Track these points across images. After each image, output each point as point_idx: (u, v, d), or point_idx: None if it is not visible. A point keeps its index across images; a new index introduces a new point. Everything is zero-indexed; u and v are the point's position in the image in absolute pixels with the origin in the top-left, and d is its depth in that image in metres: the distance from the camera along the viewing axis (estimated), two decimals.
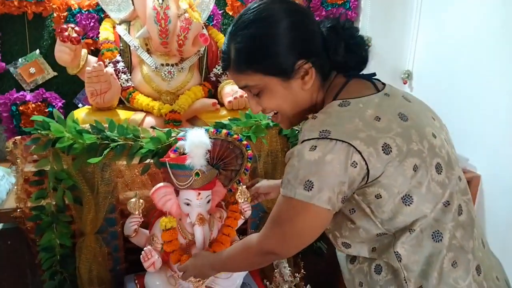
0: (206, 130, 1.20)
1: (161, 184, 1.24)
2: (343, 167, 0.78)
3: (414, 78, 2.45)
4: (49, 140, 1.23)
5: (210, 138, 1.18)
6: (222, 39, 1.88)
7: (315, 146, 0.80)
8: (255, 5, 0.87)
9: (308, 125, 0.84)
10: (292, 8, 0.88)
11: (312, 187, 0.79)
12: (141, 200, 1.25)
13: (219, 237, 1.28)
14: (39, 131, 1.24)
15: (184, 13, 1.60)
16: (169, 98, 1.73)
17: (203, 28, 1.71)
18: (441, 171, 0.85)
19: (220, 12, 2.09)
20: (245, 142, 1.26)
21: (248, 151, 1.28)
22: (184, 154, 1.18)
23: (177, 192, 1.25)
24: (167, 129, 1.33)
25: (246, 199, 1.30)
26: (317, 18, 2.22)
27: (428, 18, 2.32)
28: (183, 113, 1.70)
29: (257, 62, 0.87)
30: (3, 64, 1.86)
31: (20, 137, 1.27)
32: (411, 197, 0.82)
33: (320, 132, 0.80)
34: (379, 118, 0.83)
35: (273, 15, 0.85)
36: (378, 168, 0.80)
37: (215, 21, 2.07)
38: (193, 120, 1.75)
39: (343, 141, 0.79)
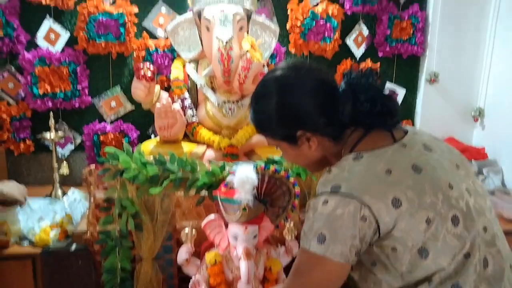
0: (254, 166, 1.26)
1: (212, 216, 1.30)
2: (352, 221, 0.80)
3: (486, 115, 2.31)
4: (118, 170, 1.37)
5: (258, 174, 1.23)
6: None
7: (327, 200, 0.82)
8: (261, 79, 0.96)
9: (322, 179, 0.87)
10: (286, 83, 0.91)
11: (325, 240, 0.81)
12: (193, 231, 1.33)
13: (267, 274, 1.31)
14: (110, 162, 1.38)
15: (246, 53, 1.69)
16: (229, 132, 1.82)
17: (264, 67, 1.80)
18: (458, 223, 0.82)
19: (283, 49, 2.18)
20: (292, 180, 1.29)
21: (296, 188, 1.30)
22: (233, 188, 1.23)
23: (226, 225, 1.31)
24: (222, 162, 1.41)
25: (293, 236, 1.31)
26: (380, 54, 2.24)
27: (501, 51, 2.19)
28: (240, 147, 1.78)
29: (263, 131, 0.98)
30: (89, 98, 2.11)
31: (94, 165, 1.43)
32: (426, 250, 0.80)
33: (332, 186, 0.83)
34: (390, 171, 0.83)
35: (265, 94, 0.93)
36: (388, 222, 0.80)
37: (278, 59, 2.16)
38: (250, 154, 1.82)
39: (352, 196, 0.80)
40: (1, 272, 1.52)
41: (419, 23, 2.23)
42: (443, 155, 0.91)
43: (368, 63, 2.25)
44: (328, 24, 2.12)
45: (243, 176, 1.20)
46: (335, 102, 0.90)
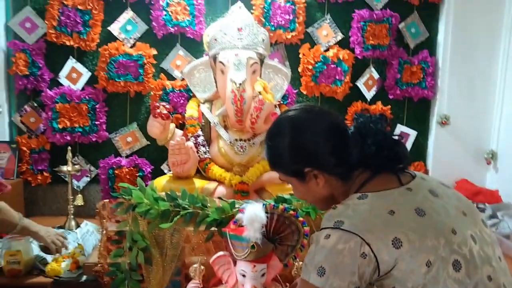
0: (263, 204, 1.28)
1: (221, 253, 1.32)
2: (352, 257, 0.82)
3: (499, 158, 2.31)
4: (131, 205, 1.41)
5: (267, 212, 1.26)
6: None
7: (329, 235, 0.85)
8: (276, 119, 1.03)
9: (327, 215, 0.90)
10: (298, 123, 0.97)
11: (325, 273, 0.83)
12: (202, 267, 1.34)
13: None
14: (123, 196, 1.43)
15: (258, 95, 1.76)
16: (240, 169, 1.86)
17: (275, 108, 1.86)
18: (459, 269, 0.82)
19: (295, 91, 2.25)
20: (301, 219, 1.31)
21: (305, 227, 1.32)
22: (242, 226, 1.26)
23: (235, 262, 1.32)
24: (231, 200, 1.44)
25: None
26: (391, 97, 2.29)
27: None
28: (251, 185, 1.81)
29: (275, 167, 1.03)
30: (106, 133, 2.19)
31: (107, 200, 1.48)
32: None
33: (335, 222, 0.86)
34: (393, 212, 0.85)
35: (279, 132, 0.99)
36: (387, 261, 0.81)
37: (289, 100, 2.23)
38: (260, 192, 1.85)
39: (354, 232, 0.82)
40: None
41: (429, 67, 2.29)
42: (450, 202, 0.93)
43: (379, 105, 2.30)
44: (339, 68, 2.20)
45: (252, 214, 1.22)
46: (344, 144, 0.94)
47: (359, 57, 2.25)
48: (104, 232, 1.47)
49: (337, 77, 2.21)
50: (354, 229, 0.83)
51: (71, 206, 2.02)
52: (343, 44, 2.25)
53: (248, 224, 1.23)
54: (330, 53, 2.21)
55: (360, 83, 2.29)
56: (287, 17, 2.16)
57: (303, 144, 0.95)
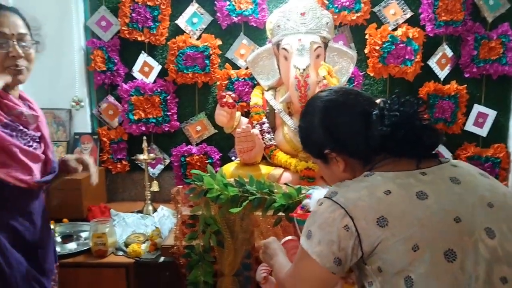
0: None
1: (290, 237, 1.34)
2: (334, 227, 0.86)
3: None
4: (202, 191, 1.49)
5: None
6: None
7: (322, 203, 0.91)
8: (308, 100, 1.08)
9: (332, 185, 0.96)
10: (322, 105, 1.00)
11: (311, 237, 0.89)
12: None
13: None
14: (195, 182, 1.50)
15: (323, 79, 1.74)
16: (305, 156, 1.86)
17: None
18: (453, 259, 0.79)
19: (361, 74, 2.19)
20: None
21: None
22: (309, 211, 1.27)
23: None
24: (298, 186, 1.46)
25: None
26: (467, 75, 2.14)
27: None
28: (317, 170, 1.80)
29: (303, 148, 1.10)
30: (178, 123, 2.30)
31: (181, 186, 1.57)
32: (410, 278, 0.79)
33: (331, 192, 0.91)
34: (389, 192, 0.84)
35: (306, 114, 1.05)
36: (370, 238, 0.82)
37: (356, 83, 2.17)
38: None
39: (340, 205, 0.86)
40: (99, 277, 1.69)
41: (510, 42, 2.11)
42: (473, 191, 0.87)
43: (453, 85, 2.16)
44: (408, 47, 2.10)
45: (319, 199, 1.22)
46: (365, 127, 0.94)
47: (431, 34, 2.12)
48: (179, 216, 1.56)
49: (406, 57, 2.11)
50: (342, 202, 0.87)
51: (148, 192, 2.16)
52: (413, 22, 2.14)
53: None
54: (398, 32, 2.11)
55: (432, 62, 2.16)
56: None
57: (324, 126, 0.98)
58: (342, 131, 0.97)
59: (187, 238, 1.53)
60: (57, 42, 2.14)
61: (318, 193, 1.25)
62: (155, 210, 2.14)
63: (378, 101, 1.02)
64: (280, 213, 1.46)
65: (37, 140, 1.30)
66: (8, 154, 1.16)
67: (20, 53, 1.18)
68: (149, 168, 2.26)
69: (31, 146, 1.25)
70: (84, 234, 1.87)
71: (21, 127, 1.23)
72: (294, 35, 1.81)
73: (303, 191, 1.44)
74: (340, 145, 0.97)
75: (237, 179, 1.49)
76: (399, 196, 0.85)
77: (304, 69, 1.73)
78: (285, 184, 1.54)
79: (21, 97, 1.31)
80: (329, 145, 0.98)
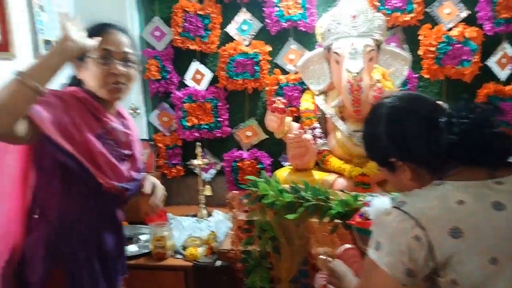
0: (391, 198, 1.26)
1: (349, 245, 1.34)
2: (404, 237, 0.84)
3: None
4: (258, 196, 1.51)
5: None
6: None
7: (390, 213, 0.89)
8: (373, 105, 1.05)
9: (400, 194, 0.94)
10: (392, 113, 0.97)
11: (380, 248, 0.88)
12: (329, 258, 1.38)
13: None
14: (250, 188, 1.53)
15: (377, 82, 1.72)
16: (360, 161, 1.84)
17: None
18: None
19: (415, 76, 2.13)
20: None
21: None
22: (369, 219, 1.26)
23: (363, 254, 1.32)
24: (355, 193, 1.44)
25: None
26: None
27: None
28: (372, 176, 1.78)
29: (368, 154, 1.07)
30: (229, 128, 2.34)
31: (237, 191, 1.60)
32: None
33: (399, 202, 0.89)
34: (462, 202, 0.81)
35: (370, 120, 1.02)
36: (443, 249, 0.79)
37: (409, 85, 2.12)
38: (382, 184, 1.81)
39: (409, 215, 0.84)
40: (159, 280, 1.76)
41: None
42: None
43: None
44: (466, 48, 2.02)
45: (380, 209, 1.21)
46: (431, 134, 0.91)
47: (490, 33, 2.03)
48: (235, 221, 1.59)
49: (464, 58, 2.03)
50: (412, 212, 0.85)
51: (202, 196, 2.22)
52: (469, 21, 2.05)
53: (375, 218, 1.22)
54: (454, 32, 2.03)
55: (491, 62, 2.06)
56: None
57: (388, 133, 0.96)
58: (407, 138, 0.94)
59: (243, 243, 1.55)
60: None
61: (378, 201, 1.23)
62: (209, 214, 2.20)
63: (439, 102, 1.00)
64: (337, 220, 1.45)
65: (125, 158, 1.32)
66: (95, 161, 1.18)
67: (121, 71, 1.22)
68: (202, 172, 2.32)
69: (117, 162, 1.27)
70: (143, 237, 1.95)
71: (111, 142, 1.26)
72: (346, 38, 1.79)
73: (360, 198, 1.42)
74: (406, 153, 0.95)
75: (292, 185, 1.50)
76: (474, 206, 0.83)
77: (357, 73, 1.71)
78: (341, 190, 1.53)
79: (119, 114, 1.35)
80: (394, 153, 0.96)
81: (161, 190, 1.43)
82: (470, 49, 2.02)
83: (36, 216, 1.23)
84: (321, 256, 1.40)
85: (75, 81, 1.27)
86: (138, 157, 1.37)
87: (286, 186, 1.52)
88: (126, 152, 1.32)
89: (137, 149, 1.37)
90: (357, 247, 1.33)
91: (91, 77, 1.21)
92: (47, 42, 1.97)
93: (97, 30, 1.21)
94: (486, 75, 2.08)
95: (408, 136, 0.94)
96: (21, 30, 1.85)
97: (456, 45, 2.03)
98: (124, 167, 1.29)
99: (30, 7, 1.91)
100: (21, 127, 1.03)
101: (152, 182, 1.41)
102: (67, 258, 1.21)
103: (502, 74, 2.07)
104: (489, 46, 2.06)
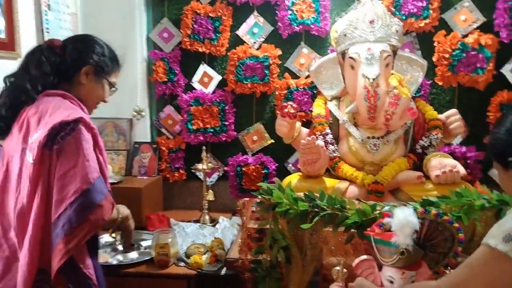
0: (414, 209, 1.21)
1: (365, 256, 1.28)
2: None
3: None
4: (271, 205, 1.45)
5: (418, 218, 1.18)
6: (429, 110, 1.87)
7: None
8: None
9: None
10: None
11: (510, 240, 0.91)
12: (344, 270, 1.32)
13: None
14: (263, 195, 1.47)
15: (394, 89, 1.67)
16: (373, 169, 1.79)
17: (411, 102, 1.75)
18: None
19: (428, 82, 2.09)
20: (456, 225, 1.21)
21: (460, 234, 1.21)
22: (390, 231, 1.20)
23: (379, 266, 1.27)
24: (372, 202, 1.39)
25: None
26: None
27: None
28: (386, 185, 1.73)
29: (491, 152, 1.10)
30: (235, 133, 2.29)
31: (248, 198, 1.54)
32: None
33: None
34: None
35: (505, 119, 1.06)
36: None
37: (422, 92, 2.08)
38: (396, 192, 1.76)
39: None
40: None
41: None
42: None
43: None
44: (480, 55, 1.99)
45: (403, 219, 1.15)
46: None
47: (506, 41, 1.99)
48: (245, 229, 1.53)
49: (478, 65, 2.00)
50: None
51: (206, 202, 2.16)
52: (485, 28, 2.02)
53: (397, 230, 1.17)
54: (470, 39, 1.99)
55: (506, 70, 2.03)
56: (420, 4, 2.02)
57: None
58: None
59: (253, 252, 1.49)
60: (121, 53, 2.18)
61: (401, 212, 1.18)
62: (212, 220, 2.13)
63: None
64: (352, 230, 1.39)
65: None
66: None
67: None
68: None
69: None
70: (144, 243, 1.87)
71: None
72: (363, 44, 1.75)
73: (377, 208, 1.37)
74: None
75: (307, 193, 1.45)
76: None
77: (374, 79, 1.67)
78: (357, 199, 1.47)
79: None
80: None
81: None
82: (484, 57, 1.99)
83: None
84: (336, 268, 1.35)
85: (53, 82, 1.33)
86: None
87: (300, 194, 1.47)
88: None
89: None
90: (373, 258, 1.28)
91: (93, 93, 1.39)
92: None
93: (118, 62, 1.45)
94: (500, 83, 2.05)
95: None
96: (28, 29, 1.79)
97: (470, 53, 1.99)
98: None
99: (38, 5, 1.85)
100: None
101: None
102: None
103: None
104: (504, 53, 2.03)
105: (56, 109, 1.23)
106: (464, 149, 2.08)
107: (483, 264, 0.96)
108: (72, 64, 1.34)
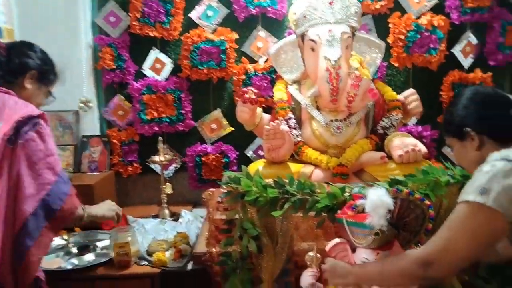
0: (386, 189, 1.20)
1: (338, 240, 1.26)
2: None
3: None
4: (239, 194, 1.39)
5: (391, 197, 1.17)
6: (389, 91, 1.89)
7: (494, 165, 0.99)
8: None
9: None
10: (475, 97, 1.13)
11: (485, 192, 0.95)
12: (318, 255, 1.29)
13: None
14: (230, 185, 1.40)
15: (355, 71, 1.66)
16: (336, 151, 1.78)
17: (371, 83, 1.75)
18: None
19: (384, 64, 2.11)
20: (427, 202, 1.21)
21: (430, 211, 1.22)
22: (363, 212, 1.18)
23: (352, 249, 1.26)
24: (342, 185, 1.37)
25: None
26: (491, 63, 2.08)
27: None
28: (350, 166, 1.72)
29: (446, 127, 1.19)
30: (192, 121, 2.19)
31: (215, 189, 1.46)
32: None
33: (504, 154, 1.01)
34: None
35: (459, 97, 1.16)
36: None
37: (379, 74, 2.09)
38: (360, 173, 1.76)
39: None
40: None
41: None
42: None
43: (478, 73, 2.11)
44: (433, 36, 2.04)
45: (377, 200, 1.14)
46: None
47: (456, 22, 2.06)
48: (211, 221, 1.46)
49: (431, 46, 2.05)
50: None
51: (164, 195, 2.05)
52: (437, 10, 2.07)
53: (371, 211, 1.15)
54: (423, 21, 2.04)
55: (456, 51, 2.10)
56: None
57: (470, 106, 1.10)
58: (487, 111, 1.09)
59: (222, 245, 1.42)
60: (63, 39, 2.01)
61: (374, 193, 1.16)
62: (172, 214, 2.04)
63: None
64: (323, 214, 1.37)
65: None
66: None
67: None
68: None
69: None
70: (100, 244, 1.75)
71: None
72: (323, 25, 1.72)
73: (347, 190, 1.35)
74: (482, 123, 1.08)
75: (276, 179, 1.40)
76: None
77: (335, 61, 1.65)
78: (326, 183, 1.44)
79: None
80: (470, 123, 1.09)
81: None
82: (437, 38, 2.04)
83: None
84: (310, 253, 1.32)
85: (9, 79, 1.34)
86: None
87: (269, 181, 1.42)
88: None
89: None
90: (347, 241, 1.26)
91: (33, 98, 1.39)
92: None
93: (57, 74, 1.47)
94: (451, 63, 2.12)
95: (488, 109, 1.09)
96: None
97: (424, 34, 2.03)
98: None
99: None
100: None
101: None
102: None
103: (466, 62, 2.11)
104: (454, 34, 2.10)
105: (15, 103, 1.27)
106: (420, 128, 2.14)
107: (463, 220, 0.98)
108: (19, 66, 1.36)
